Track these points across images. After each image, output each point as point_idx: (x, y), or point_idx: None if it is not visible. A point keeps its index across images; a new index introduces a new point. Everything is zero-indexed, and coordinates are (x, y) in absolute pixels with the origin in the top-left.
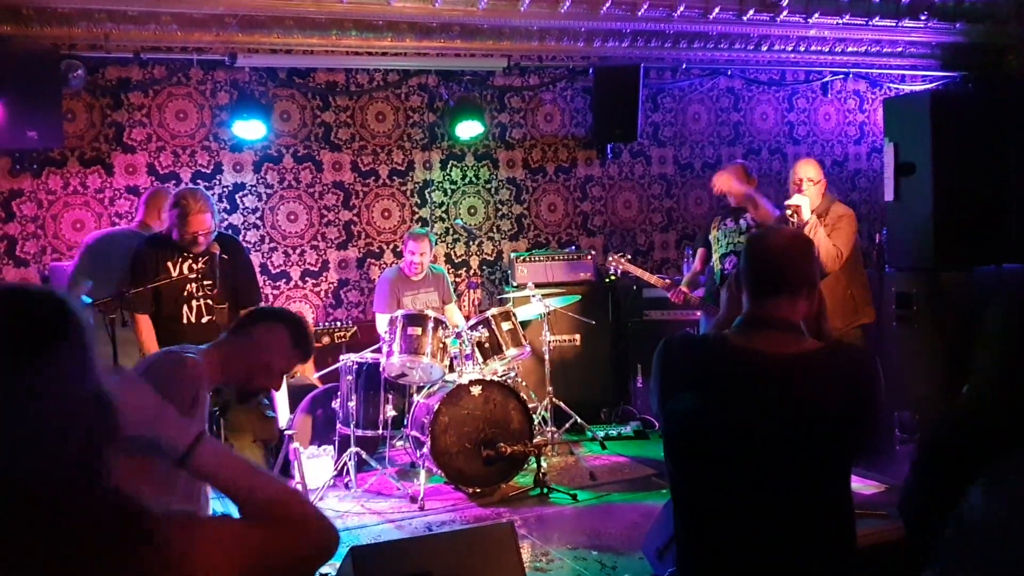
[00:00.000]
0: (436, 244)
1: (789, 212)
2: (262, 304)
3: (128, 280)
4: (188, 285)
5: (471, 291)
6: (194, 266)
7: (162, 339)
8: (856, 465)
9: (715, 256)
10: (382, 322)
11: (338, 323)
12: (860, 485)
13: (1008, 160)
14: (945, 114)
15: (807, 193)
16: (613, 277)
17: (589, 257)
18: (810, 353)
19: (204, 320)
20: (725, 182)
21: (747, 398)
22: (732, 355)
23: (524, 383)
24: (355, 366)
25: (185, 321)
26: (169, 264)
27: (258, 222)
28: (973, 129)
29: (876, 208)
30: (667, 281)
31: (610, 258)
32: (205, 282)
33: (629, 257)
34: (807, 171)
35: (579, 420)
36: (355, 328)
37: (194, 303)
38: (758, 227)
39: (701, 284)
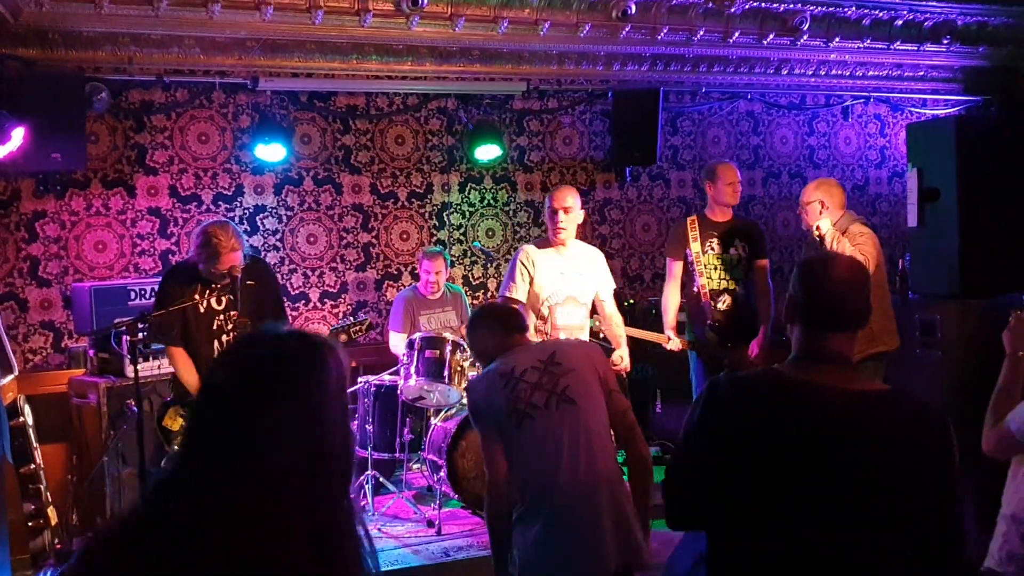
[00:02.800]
0: (454, 266)
1: (816, 233)
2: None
3: (153, 307)
4: (217, 318)
5: None
6: (221, 298)
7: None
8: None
9: (702, 280)
10: (396, 340)
11: (350, 319)
12: None
13: None
14: (971, 139)
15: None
16: (632, 301)
17: None
18: (879, 394)
19: None
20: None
21: (817, 431)
22: (794, 390)
23: None
24: (372, 389)
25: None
26: (196, 296)
27: (278, 244)
28: (999, 154)
29: (897, 233)
30: (666, 336)
31: (595, 323)
32: (231, 312)
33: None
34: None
35: None
36: (368, 319)
37: (224, 338)
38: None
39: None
